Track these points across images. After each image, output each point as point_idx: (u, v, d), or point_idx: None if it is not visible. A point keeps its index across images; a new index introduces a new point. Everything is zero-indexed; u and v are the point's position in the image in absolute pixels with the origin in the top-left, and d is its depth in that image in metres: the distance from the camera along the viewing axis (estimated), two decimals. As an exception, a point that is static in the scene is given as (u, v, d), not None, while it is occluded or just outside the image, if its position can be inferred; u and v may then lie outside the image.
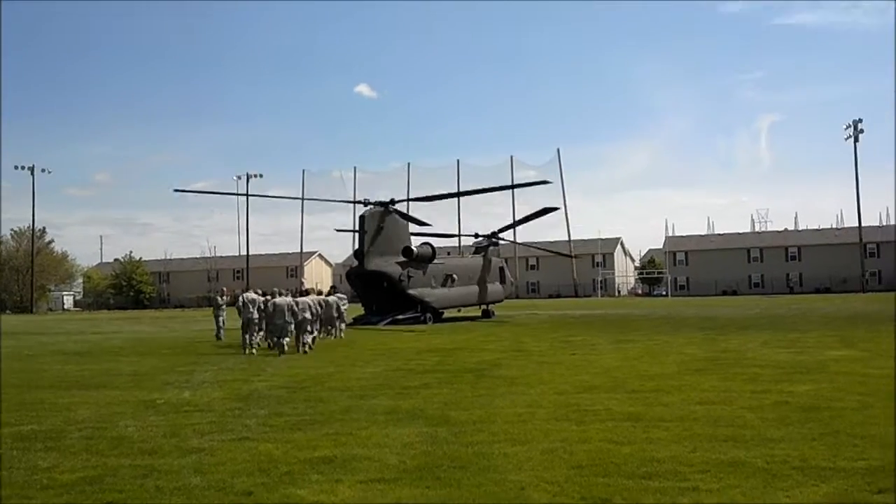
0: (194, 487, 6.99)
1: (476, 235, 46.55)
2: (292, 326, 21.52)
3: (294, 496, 6.66)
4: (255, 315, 22.82)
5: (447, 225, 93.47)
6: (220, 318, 28.03)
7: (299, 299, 22.51)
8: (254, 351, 21.89)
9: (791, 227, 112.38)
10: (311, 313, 22.19)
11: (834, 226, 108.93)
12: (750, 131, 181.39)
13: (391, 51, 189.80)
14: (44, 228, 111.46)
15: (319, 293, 27.65)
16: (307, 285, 38.27)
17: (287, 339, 21.44)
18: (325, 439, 8.95)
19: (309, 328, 22.08)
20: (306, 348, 21.50)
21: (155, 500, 6.61)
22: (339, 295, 28.45)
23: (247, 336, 22.53)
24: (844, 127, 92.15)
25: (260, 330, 23.14)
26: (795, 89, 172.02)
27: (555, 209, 44.69)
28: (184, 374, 16.41)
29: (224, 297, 29.45)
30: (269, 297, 23.33)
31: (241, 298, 23.56)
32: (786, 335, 23.56)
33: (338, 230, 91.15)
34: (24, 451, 8.66)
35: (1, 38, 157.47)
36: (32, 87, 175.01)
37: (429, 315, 37.96)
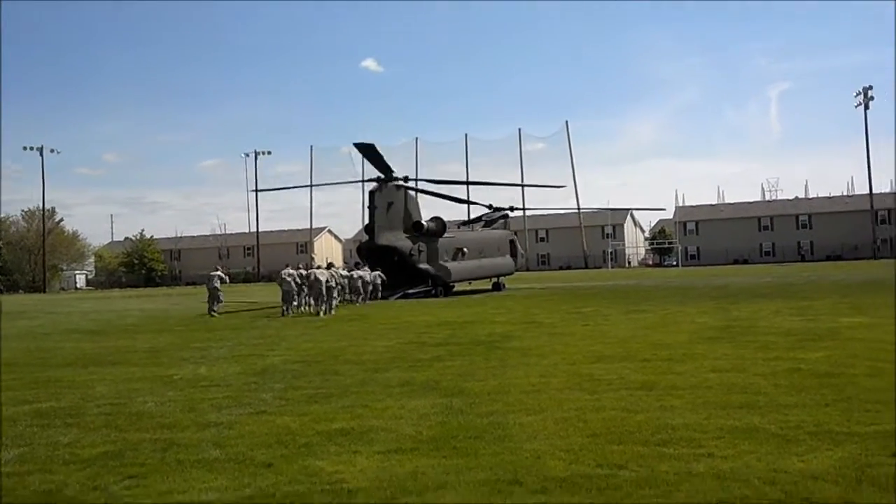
0: (214, 460, 7.08)
1: (490, 206, 46.48)
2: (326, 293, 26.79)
3: (313, 467, 6.73)
4: (294, 287, 27.76)
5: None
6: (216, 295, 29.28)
7: (326, 272, 27.81)
8: (289, 314, 26.91)
9: (802, 196, 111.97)
10: (338, 284, 27.73)
11: (845, 193, 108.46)
12: (760, 100, 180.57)
13: (397, 25, 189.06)
14: (54, 209, 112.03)
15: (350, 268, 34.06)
16: (317, 261, 38.96)
17: (324, 304, 26.62)
18: (341, 412, 9.03)
19: (336, 295, 27.67)
20: (333, 312, 26.51)
21: (176, 473, 6.69)
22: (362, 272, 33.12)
23: (284, 305, 27.44)
24: (855, 94, 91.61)
25: (297, 299, 28.19)
26: (805, 57, 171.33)
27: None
28: (199, 350, 16.54)
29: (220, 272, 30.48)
30: (310, 271, 28.27)
31: (281, 274, 28.40)
32: (798, 303, 23.56)
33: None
34: (45, 428, 8.77)
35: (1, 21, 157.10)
36: (40, 68, 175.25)
37: (440, 289, 38.08)
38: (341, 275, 30.59)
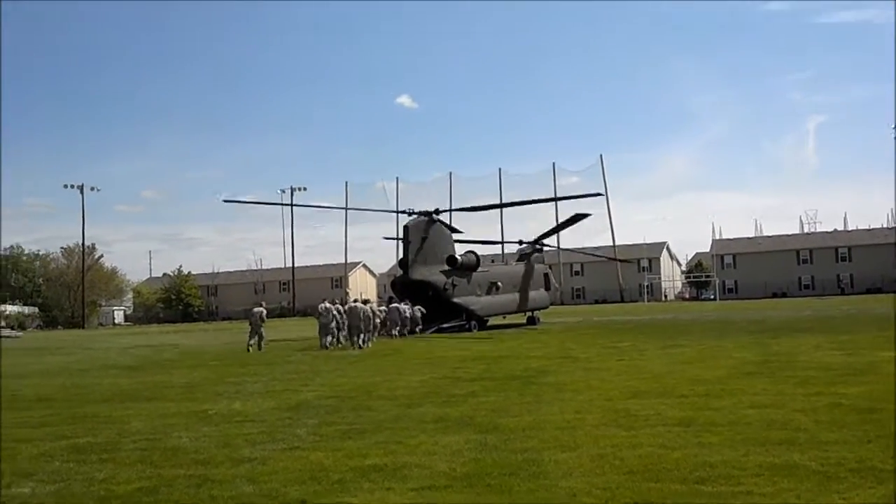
0: (248, 496, 7.08)
1: (520, 242, 46.47)
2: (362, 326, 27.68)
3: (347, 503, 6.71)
4: (332, 321, 28.04)
5: (490, 233, 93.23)
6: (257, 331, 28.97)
7: (365, 307, 28.76)
8: (328, 347, 27.38)
9: (841, 228, 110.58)
10: (376, 317, 28.96)
11: (884, 225, 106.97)
12: (796, 132, 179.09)
13: (431, 61, 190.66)
14: (93, 245, 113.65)
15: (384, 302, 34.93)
16: (352, 296, 39.61)
17: (363, 336, 27.51)
18: (374, 448, 9.00)
19: (371, 328, 28.70)
20: (369, 345, 27.57)
21: (210, 510, 6.69)
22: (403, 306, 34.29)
23: (324, 338, 27.86)
24: (892, 126, 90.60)
25: (333, 333, 28.23)
26: (841, 89, 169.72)
27: (586, 216, 44.49)
28: (234, 385, 16.60)
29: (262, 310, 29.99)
30: (349, 305, 29.01)
31: (319, 307, 28.88)
32: (837, 337, 23.20)
33: (385, 238, 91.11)
34: (81, 464, 8.82)
35: None
36: (77, 105, 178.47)
37: (474, 323, 38.00)
38: (380, 309, 31.36)
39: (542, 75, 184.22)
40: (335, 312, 28.34)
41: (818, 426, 9.19)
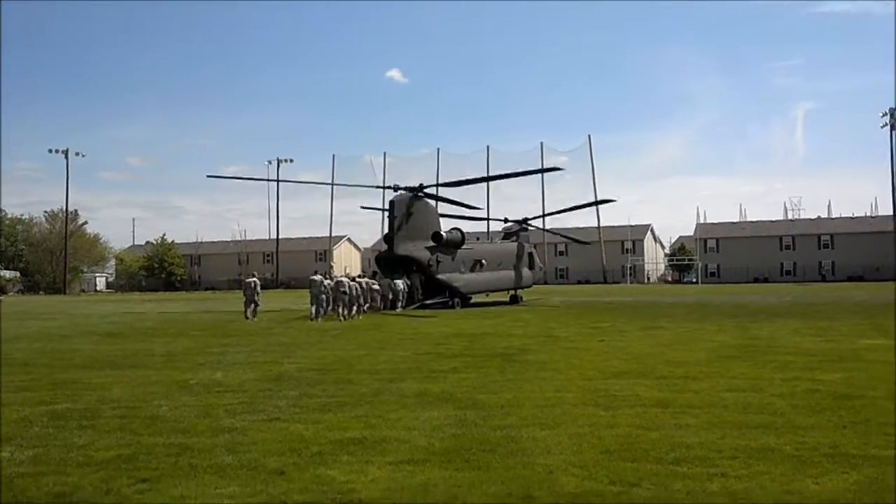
0: (227, 466, 7.10)
1: (506, 220, 46.49)
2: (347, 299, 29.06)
3: (325, 476, 6.73)
4: (323, 293, 29.28)
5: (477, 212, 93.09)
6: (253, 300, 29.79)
7: (353, 281, 30.26)
8: (319, 319, 28.33)
9: (824, 215, 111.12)
10: (357, 293, 29.89)
11: (868, 214, 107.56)
12: (784, 119, 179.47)
13: (422, 36, 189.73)
14: (76, 211, 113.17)
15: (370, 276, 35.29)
16: (336, 270, 40.22)
17: (347, 309, 28.70)
18: (355, 421, 9.03)
19: (359, 303, 30.03)
20: (359, 317, 29.08)
21: (189, 479, 6.71)
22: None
23: (313, 307, 29.12)
24: (881, 115, 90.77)
25: (323, 304, 29.37)
26: (831, 77, 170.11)
27: (612, 200, 44.96)
28: (215, 355, 16.60)
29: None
30: (338, 280, 30.32)
31: (311, 279, 30.19)
32: (818, 323, 23.38)
33: (363, 207, 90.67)
34: (60, 429, 8.82)
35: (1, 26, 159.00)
36: (66, 71, 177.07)
37: (457, 300, 38.07)
38: (365, 284, 31.74)
39: (533, 54, 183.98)
40: (325, 285, 29.55)
41: (795, 411, 9.28)
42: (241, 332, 23.14)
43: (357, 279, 31.55)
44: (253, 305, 29.60)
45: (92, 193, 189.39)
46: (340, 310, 28.89)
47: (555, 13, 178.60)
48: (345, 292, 29.05)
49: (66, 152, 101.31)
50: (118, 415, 9.66)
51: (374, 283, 33.28)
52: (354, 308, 29.81)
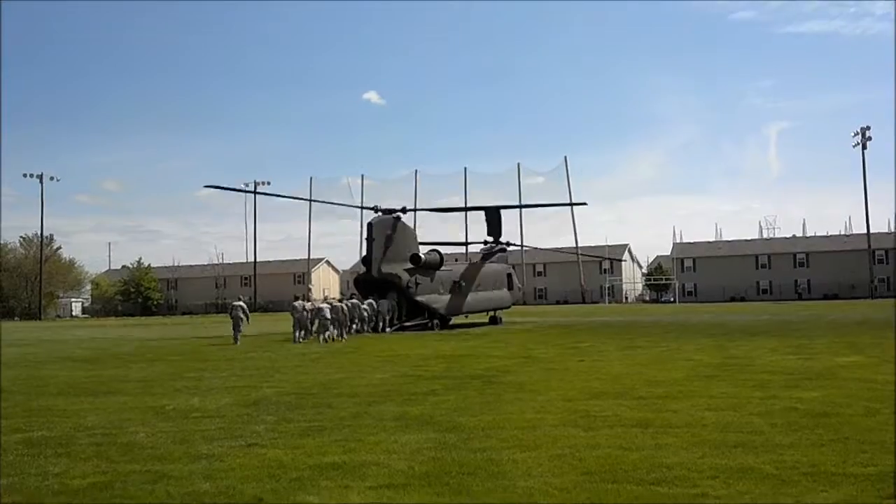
0: (204, 493, 7.02)
1: (485, 242, 46.54)
2: (329, 323, 29.43)
3: (304, 502, 6.68)
4: (304, 316, 30.19)
5: (455, 231, 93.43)
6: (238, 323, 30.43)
7: (335, 304, 31.30)
8: (299, 341, 29.15)
9: (799, 234, 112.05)
10: (343, 315, 30.87)
11: (842, 232, 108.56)
12: (758, 138, 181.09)
13: (399, 58, 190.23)
14: (51, 235, 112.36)
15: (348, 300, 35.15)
16: (314, 293, 40.88)
17: (327, 332, 29.04)
18: (333, 445, 8.97)
19: (342, 326, 30.71)
20: (342, 339, 29.76)
21: (165, 506, 6.63)
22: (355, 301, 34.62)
23: (297, 332, 29.80)
24: (853, 134, 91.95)
25: (307, 328, 30.35)
26: (804, 97, 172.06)
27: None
28: (192, 380, 16.47)
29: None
30: (314, 303, 32.01)
31: (293, 305, 31.31)
32: (794, 341, 23.50)
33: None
34: (35, 457, 8.70)
35: (1, 41, 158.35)
36: (40, 95, 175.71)
37: (436, 322, 38.02)
38: (342, 306, 32.12)
39: (509, 75, 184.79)
40: (307, 310, 30.56)
41: (774, 429, 9.31)
42: (219, 357, 22.97)
43: (342, 302, 32.90)
44: (238, 328, 29.98)
45: (67, 218, 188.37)
46: (325, 333, 29.18)
47: (530, 36, 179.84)
48: (326, 317, 29.42)
49: (40, 177, 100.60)
50: (94, 442, 9.55)
51: (363, 304, 33.96)
52: (346, 329, 31.03)
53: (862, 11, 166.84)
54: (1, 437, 10.06)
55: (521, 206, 51.28)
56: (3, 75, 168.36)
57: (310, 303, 32.23)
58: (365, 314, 33.68)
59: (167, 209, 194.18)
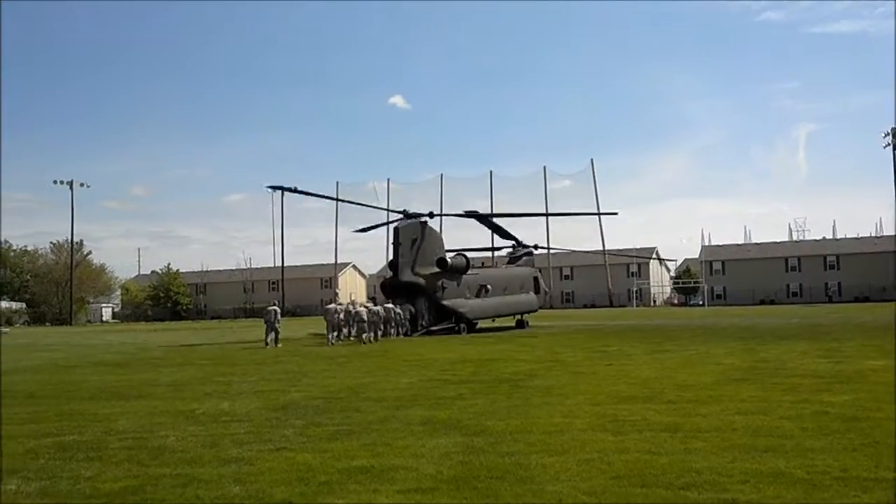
0: (234, 497, 7.06)
1: (513, 247, 46.50)
2: (366, 325, 31.21)
3: (332, 505, 6.70)
4: (340, 318, 31.92)
5: (480, 235, 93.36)
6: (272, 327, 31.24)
7: (372, 308, 33.02)
8: (333, 343, 30.81)
9: (829, 236, 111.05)
10: (379, 318, 32.60)
11: (873, 234, 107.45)
12: (787, 141, 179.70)
13: (425, 62, 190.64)
14: (81, 241, 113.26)
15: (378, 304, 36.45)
16: (341, 297, 41.72)
17: (364, 334, 30.78)
18: (362, 449, 8.99)
19: (378, 328, 32.48)
20: (375, 341, 31.11)
21: (196, 509, 6.67)
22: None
23: (331, 334, 31.43)
24: (883, 135, 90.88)
25: (342, 330, 32.09)
26: (832, 98, 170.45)
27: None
28: (222, 385, 16.57)
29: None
30: (357, 309, 32.70)
31: (327, 308, 33.07)
32: (825, 345, 23.28)
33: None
34: (67, 461, 8.79)
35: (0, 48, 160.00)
36: (70, 102, 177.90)
37: (463, 325, 38.02)
38: (378, 309, 33.57)
39: (534, 78, 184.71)
40: (341, 314, 32.19)
41: (804, 434, 9.22)
42: (248, 361, 23.12)
43: (370, 306, 34.26)
44: (274, 333, 30.85)
45: (97, 224, 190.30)
46: (363, 336, 30.72)
47: (556, 37, 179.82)
48: (363, 320, 30.96)
49: (70, 183, 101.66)
50: (125, 446, 9.63)
51: (396, 308, 34.86)
52: (377, 331, 32.16)
53: (890, 11, 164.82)
54: (1, 438, 10.18)
55: (547, 214, 50.91)
56: (33, 81, 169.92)
57: (342, 306, 33.39)
58: (400, 316, 34.71)
59: (195, 214, 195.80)
